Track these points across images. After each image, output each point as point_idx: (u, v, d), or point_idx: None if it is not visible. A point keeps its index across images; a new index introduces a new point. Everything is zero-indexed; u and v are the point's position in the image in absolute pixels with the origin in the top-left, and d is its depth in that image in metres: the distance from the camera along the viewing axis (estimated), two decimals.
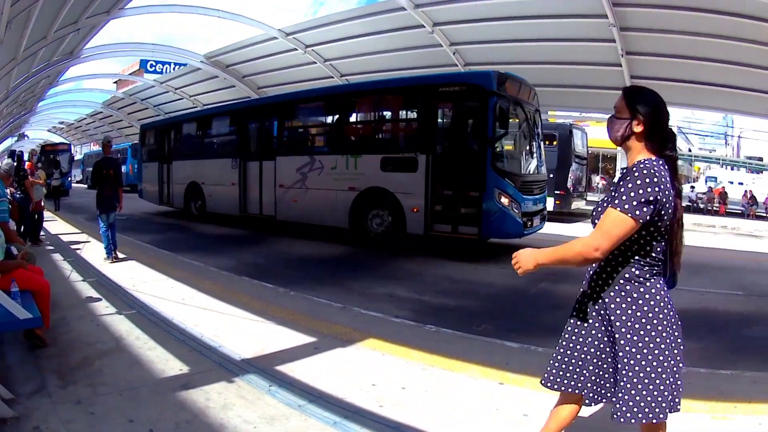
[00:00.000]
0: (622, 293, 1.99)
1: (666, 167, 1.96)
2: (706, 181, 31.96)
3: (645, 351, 1.92)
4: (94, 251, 8.01)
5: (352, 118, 11.20)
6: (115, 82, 40.67)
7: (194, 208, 14.16)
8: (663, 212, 1.91)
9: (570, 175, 16.01)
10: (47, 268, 5.98)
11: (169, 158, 15.43)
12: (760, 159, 39.14)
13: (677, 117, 33.39)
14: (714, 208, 22.96)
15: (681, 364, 1.97)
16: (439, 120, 9.14)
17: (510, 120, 8.34)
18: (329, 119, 11.61)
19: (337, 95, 11.84)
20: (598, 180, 31.39)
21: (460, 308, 5.84)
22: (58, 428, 2.74)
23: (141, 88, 32.94)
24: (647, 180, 1.86)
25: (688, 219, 15.34)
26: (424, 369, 3.67)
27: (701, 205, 23.33)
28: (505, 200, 8.13)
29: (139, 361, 3.70)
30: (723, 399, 3.18)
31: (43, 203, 9.69)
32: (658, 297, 1.95)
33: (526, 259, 2.06)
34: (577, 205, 16.80)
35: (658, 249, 1.99)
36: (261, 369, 3.56)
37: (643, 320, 1.94)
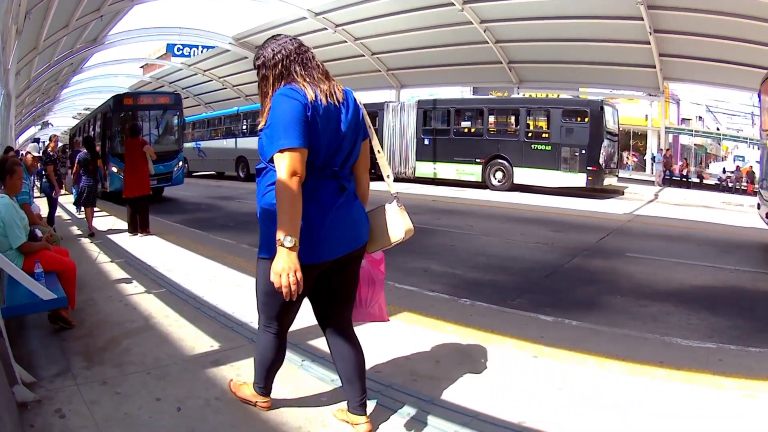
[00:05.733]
0: None
1: None
2: (734, 160, 30.80)
3: None
4: (121, 233, 8.02)
5: None
6: (141, 67, 40.57)
7: None
8: None
9: (602, 151, 15.22)
10: (75, 250, 5.97)
11: None
12: None
13: (706, 96, 32.26)
14: (742, 187, 22.09)
15: None
16: None
17: None
18: None
19: None
20: (629, 157, 30.67)
21: (493, 283, 5.67)
22: (82, 410, 2.63)
23: (168, 71, 32.70)
24: None
25: (718, 198, 14.96)
26: (459, 342, 3.55)
27: (729, 184, 22.58)
28: None
29: (169, 339, 3.61)
30: (753, 377, 3.06)
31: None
32: None
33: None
34: (609, 181, 15.82)
35: None
36: (294, 344, 3.40)
37: None
